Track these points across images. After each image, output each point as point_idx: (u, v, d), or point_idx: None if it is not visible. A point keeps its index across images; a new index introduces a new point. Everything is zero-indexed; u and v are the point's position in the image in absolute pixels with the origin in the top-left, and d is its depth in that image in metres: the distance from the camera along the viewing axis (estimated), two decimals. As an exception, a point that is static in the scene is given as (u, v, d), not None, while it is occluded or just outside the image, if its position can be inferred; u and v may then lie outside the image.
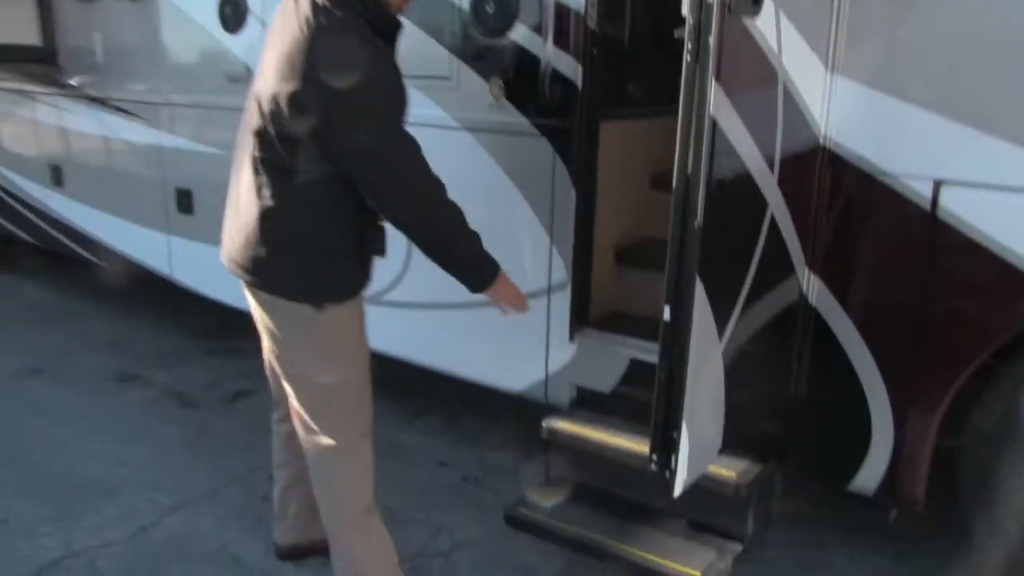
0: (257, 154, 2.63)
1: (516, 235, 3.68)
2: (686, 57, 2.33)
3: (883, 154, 2.89)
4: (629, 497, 3.40)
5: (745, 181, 2.63)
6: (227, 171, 4.78)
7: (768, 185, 2.73)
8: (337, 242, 2.68)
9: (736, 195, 2.60)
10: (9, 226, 6.90)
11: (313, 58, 2.44)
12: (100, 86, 5.63)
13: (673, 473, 2.57)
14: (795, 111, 2.83)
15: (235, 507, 3.69)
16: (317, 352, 2.78)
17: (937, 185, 2.81)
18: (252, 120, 2.65)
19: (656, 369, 2.56)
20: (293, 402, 2.88)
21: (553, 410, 3.67)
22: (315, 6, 2.51)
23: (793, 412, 3.21)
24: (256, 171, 2.64)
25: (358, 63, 2.43)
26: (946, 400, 2.93)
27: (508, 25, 3.50)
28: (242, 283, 2.83)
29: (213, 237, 4.93)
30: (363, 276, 2.82)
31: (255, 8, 4.50)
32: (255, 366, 5.19)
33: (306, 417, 2.85)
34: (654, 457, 2.61)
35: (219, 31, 4.70)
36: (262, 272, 2.71)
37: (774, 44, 2.60)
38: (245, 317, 5.04)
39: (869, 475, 3.13)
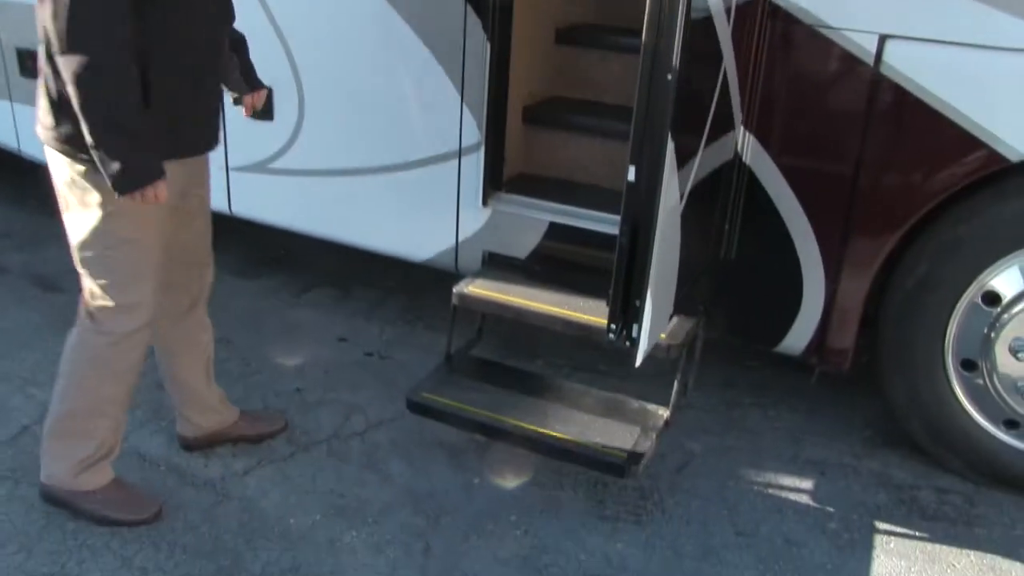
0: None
1: (423, 95, 3.41)
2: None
3: (826, 6, 2.78)
4: (540, 371, 3.30)
5: (708, 30, 2.46)
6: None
7: (725, 38, 2.58)
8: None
9: (699, 46, 2.43)
10: None
11: None
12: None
13: (635, 342, 2.46)
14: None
15: (125, 396, 3.38)
16: None
17: (882, 40, 2.73)
18: None
19: (618, 233, 2.40)
20: None
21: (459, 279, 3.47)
22: None
23: (722, 273, 3.16)
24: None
25: None
26: (879, 261, 2.94)
27: None
28: None
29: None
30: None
31: None
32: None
33: None
34: (612, 326, 2.48)
35: None
36: (49, 129, 2.48)
37: None
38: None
39: (798, 336, 3.13)
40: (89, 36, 2.18)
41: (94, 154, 2.27)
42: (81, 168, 2.42)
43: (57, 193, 2.55)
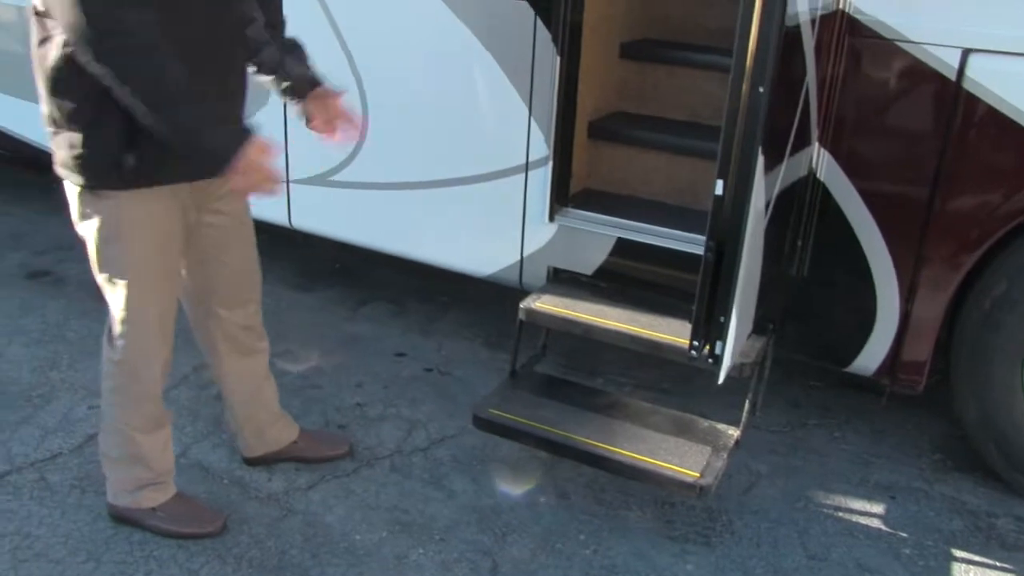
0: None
1: (490, 108, 3.39)
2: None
3: (906, 20, 2.74)
4: (607, 388, 3.25)
5: (796, 44, 2.43)
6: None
7: (810, 51, 2.55)
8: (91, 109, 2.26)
9: (788, 60, 2.39)
10: None
11: None
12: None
13: (719, 360, 2.42)
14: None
15: (187, 409, 3.36)
16: None
17: (965, 53, 2.68)
18: None
19: (704, 248, 2.36)
20: None
21: (523, 294, 3.44)
22: None
23: (795, 291, 3.11)
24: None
25: None
26: (956, 280, 2.88)
27: None
28: None
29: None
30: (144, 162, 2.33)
31: None
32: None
33: None
34: (695, 343, 2.44)
35: None
36: (56, 150, 2.39)
37: None
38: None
39: (870, 356, 3.07)
40: (120, 16, 2.05)
41: (179, 147, 2.19)
42: (77, 190, 2.37)
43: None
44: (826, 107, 2.87)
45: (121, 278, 2.46)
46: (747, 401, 2.99)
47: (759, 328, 3.01)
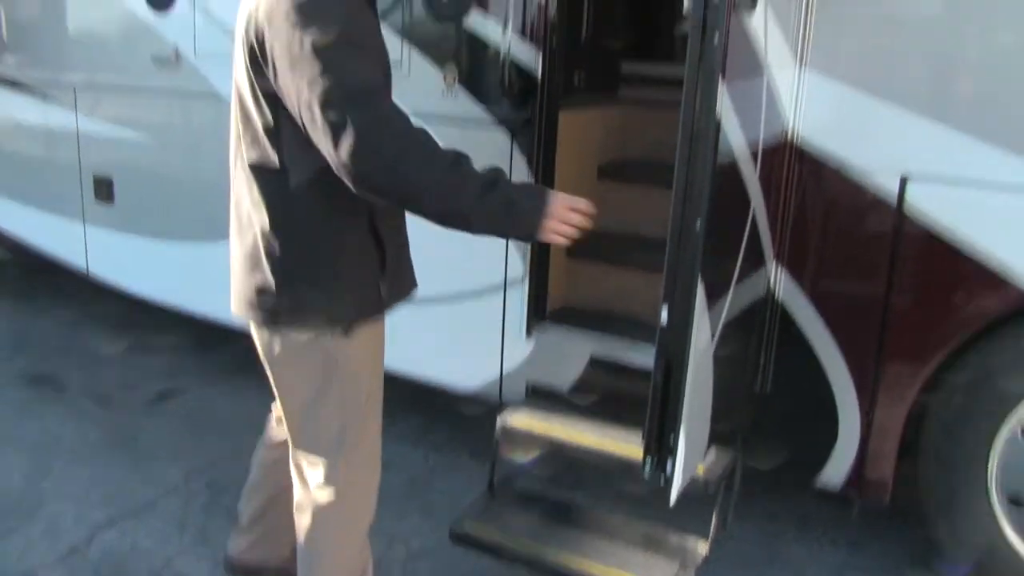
0: (246, 161, 2.24)
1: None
2: (689, 57, 2.25)
3: (850, 148, 2.90)
4: (582, 502, 3.34)
5: (736, 179, 2.59)
6: (151, 157, 4.62)
7: (752, 182, 2.70)
8: (350, 248, 2.27)
9: (729, 193, 2.55)
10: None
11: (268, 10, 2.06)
12: (7, 66, 5.27)
13: (669, 479, 2.51)
14: (772, 106, 2.81)
15: (174, 519, 3.47)
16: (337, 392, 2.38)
17: (904, 180, 2.83)
18: (235, 122, 2.28)
19: (653, 371, 2.48)
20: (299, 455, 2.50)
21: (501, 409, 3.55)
22: None
23: (758, 407, 3.20)
24: (248, 183, 2.25)
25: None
26: (913, 393, 2.97)
27: (464, 10, 3.39)
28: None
29: (133, 227, 4.78)
30: (391, 287, 2.37)
31: (186, -17, 4.26)
32: (177, 363, 5.01)
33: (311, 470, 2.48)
34: (648, 462, 2.54)
35: (144, 9, 4.44)
36: (270, 303, 2.28)
37: (762, 40, 2.56)
38: (163, 311, 4.84)
39: (835, 470, 3.14)
40: (379, 104, 2.02)
41: (477, 225, 2.10)
42: (308, 335, 2.29)
43: (282, 385, 2.41)
44: (781, 231, 3.01)
45: (355, 416, 2.40)
46: (714, 516, 3.07)
47: (727, 441, 3.11)
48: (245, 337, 2.51)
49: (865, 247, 2.96)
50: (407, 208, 2.18)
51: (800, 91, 2.91)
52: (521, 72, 3.32)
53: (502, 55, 3.31)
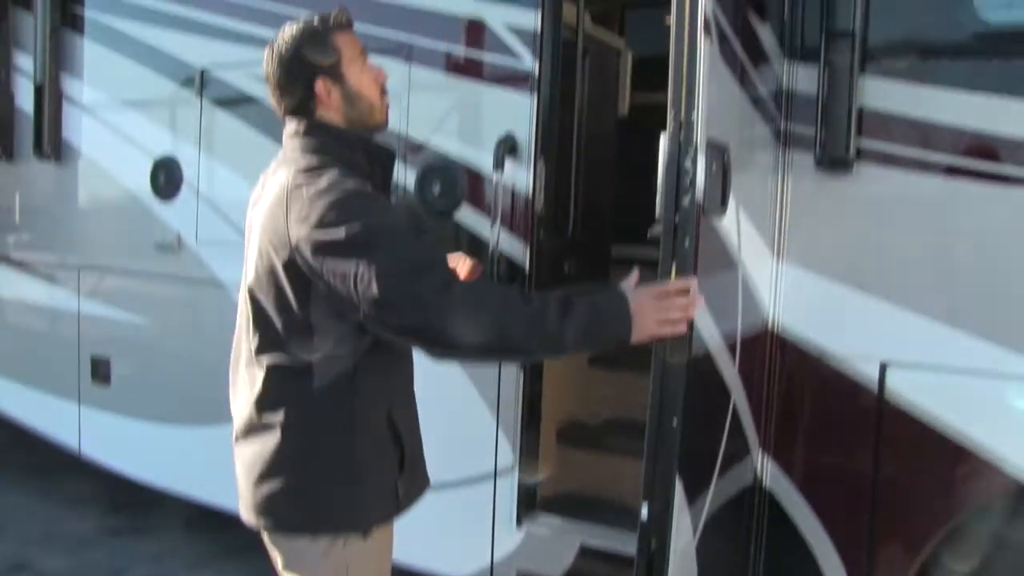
0: (264, 363, 2.24)
1: (460, 418, 3.59)
2: (662, 257, 2.34)
3: (830, 337, 2.96)
4: None
5: (714, 375, 2.64)
6: (150, 340, 4.71)
7: (731, 374, 2.75)
8: (370, 448, 2.27)
9: (707, 389, 2.60)
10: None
11: (299, 217, 2.12)
12: (15, 247, 5.45)
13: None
14: (750, 299, 2.89)
15: None
16: None
17: (883, 367, 2.88)
18: (246, 324, 2.30)
19: (635, 566, 2.47)
20: None
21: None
22: (288, 166, 2.25)
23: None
24: (262, 385, 2.24)
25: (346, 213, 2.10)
26: (909, 579, 2.93)
27: (454, 206, 3.53)
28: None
29: (129, 409, 4.82)
30: (409, 486, 2.37)
31: (190, 177, 4.45)
32: (167, 548, 4.93)
33: None
34: (633, 662, 2.50)
35: (150, 198, 4.61)
36: (284, 510, 2.24)
37: (735, 238, 2.66)
38: (154, 492, 4.81)
39: (833, 663, 3.07)
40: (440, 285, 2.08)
41: (572, 343, 2.11)
42: (326, 541, 2.24)
43: None
44: (765, 419, 3.04)
45: None
46: None
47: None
48: (237, 521, 2.48)
49: (849, 434, 2.98)
50: (498, 357, 2.36)
51: (778, 283, 3.00)
52: (511, 264, 3.43)
53: (491, 248, 3.42)
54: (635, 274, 2.22)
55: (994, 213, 2.77)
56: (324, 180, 2.15)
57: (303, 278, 2.14)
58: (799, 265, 2.98)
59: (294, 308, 2.17)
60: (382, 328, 2.13)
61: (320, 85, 2.27)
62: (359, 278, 2.05)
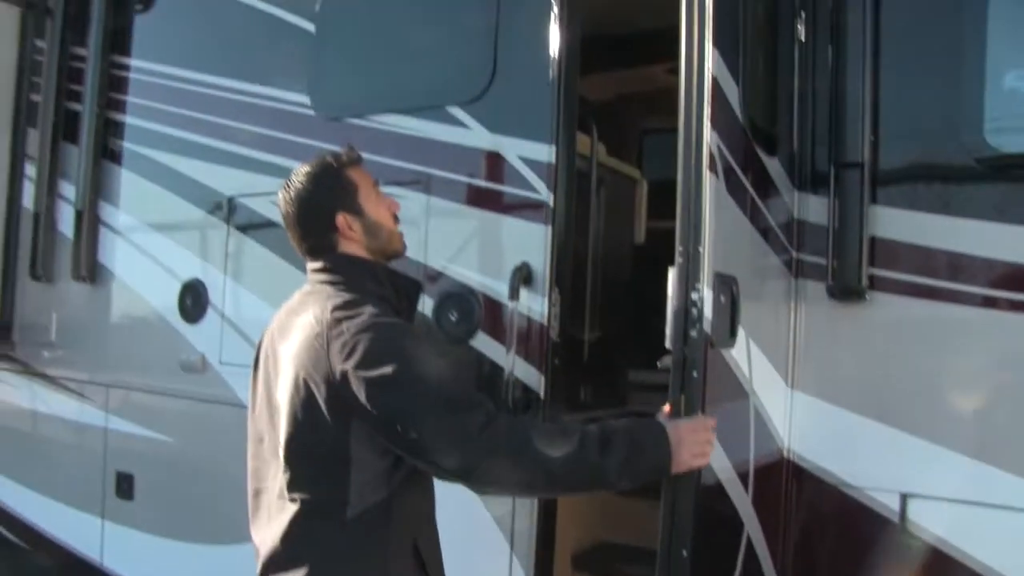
0: (293, 498, 2.31)
1: (472, 539, 3.56)
2: (672, 389, 2.38)
3: (846, 467, 2.94)
4: None
5: (726, 505, 2.64)
6: (173, 457, 4.76)
7: (744, 505, 2.75)
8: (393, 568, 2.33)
9: (718, 519, 2.60)
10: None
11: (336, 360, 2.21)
12: (50, 364, 5.55)
13: None
14: (763, 428, 2.90)
15: None
16: None
17: (904, 498, 2.85)
18: (272, 459, 2.39)
19: None
20: None
21: None
22: (317, 300, 2.36)
23: None
24: (290, 521, 2.30)
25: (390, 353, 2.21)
26: None
27: (471, 333, 3.59)
28: None
29: (151, 525, 4.86)
30: None
31: (215, 301, 4.55)
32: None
33: None
34: None
35: (177, 319, 4.72)
36: None
37: (746, 368, 2.68)
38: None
39: None
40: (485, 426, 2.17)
41: (613, 480, 2.21)
42: None
43: None
44: (782, 549, 3.01)
45: None
46: None
47: None
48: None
49: (871, 565, 2.93)
50: (541, 493, 2.52)
51: (792, 412, 3.01)
52: (527, 390, 3.45)
53: (506, 374, 3.45)
54: (666, 408, 2.37)
55: (1012, 341, 2.77)
56: (363, 316, 2.25)
57: (345, 412, 2.21)
58: (813, 394, 2.99)
59: (333, 442, 2.24)
60: (425, 465, 2.24)
61: (341, 219, 2.41)
62: (405, 415, 2.18)
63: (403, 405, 2.17)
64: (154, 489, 4.92)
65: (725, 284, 2.51)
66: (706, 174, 2.47)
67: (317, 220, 2.42)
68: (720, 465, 2.56)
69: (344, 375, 2.18)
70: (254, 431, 2.51)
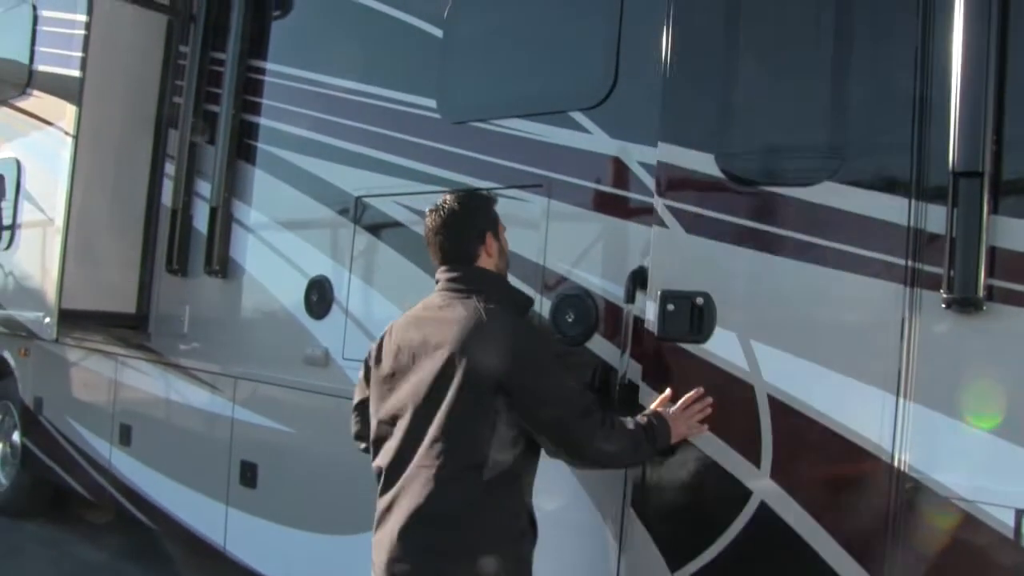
0: (446, 460, 2.78)
1: (580, 537, 3.67)
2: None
3: (960, 479, 2.86)
4: None
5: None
6: (295, 448, 4.95)
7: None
8: (519, 529, 2.89)
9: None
10: (71, 480, 6.87)
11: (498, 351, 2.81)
12: (182, 354, 5.86)
13: None
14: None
15: None
16: None
17: (1019, 513, 2.79)
18: (413, 431, 2.86)
19: None
20: None
21: None
22: (465, 302, 2.93)
23: None
24: (436, 479, 2.78)
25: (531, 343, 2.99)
26: None
27: (587, 335, 3.66)
28: None
29: (272, 513, 5.07)
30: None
31: (340, 298, 4.72)
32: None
33: None
34: None
35: (303, 315, 4.92)
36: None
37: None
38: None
39: None
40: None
41: (654, 453, 3.08)
42: None
43: None
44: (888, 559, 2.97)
45: None
46: None
47: None
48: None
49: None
50: (617, 467, 3.30)
51: (904, 422, 2.96)
52: (637, 391, 3.48)
53: (619, 376, 3.49)
54: (667, 393, 3.18)
55: None
56: (511, 317, 2.97)
57: (499, 392, 2.78)
58: (927, 405, 2.95)
59: (483, 416, 2.79)
60: (551, 440, 2.90)
61: (490, 239, 3.05)
62: (550, 399, 2.86)
63: (550, 390, 2.86)
64: (276, 478, 5.11)
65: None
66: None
67: (469, 234, 3.04)
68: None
69: (503, 362, 2.78)
70: (386, 412, 2.98)
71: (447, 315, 2.92)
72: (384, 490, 2.92)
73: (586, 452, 2.94)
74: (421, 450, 2.82)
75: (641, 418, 3.06)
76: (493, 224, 3.09)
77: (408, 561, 2.78)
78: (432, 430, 2.81)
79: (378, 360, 3.10)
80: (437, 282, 3.10)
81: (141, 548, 6.52)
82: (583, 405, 2.91)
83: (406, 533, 2.79)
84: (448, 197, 3.11)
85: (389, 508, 2.87)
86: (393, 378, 2.99)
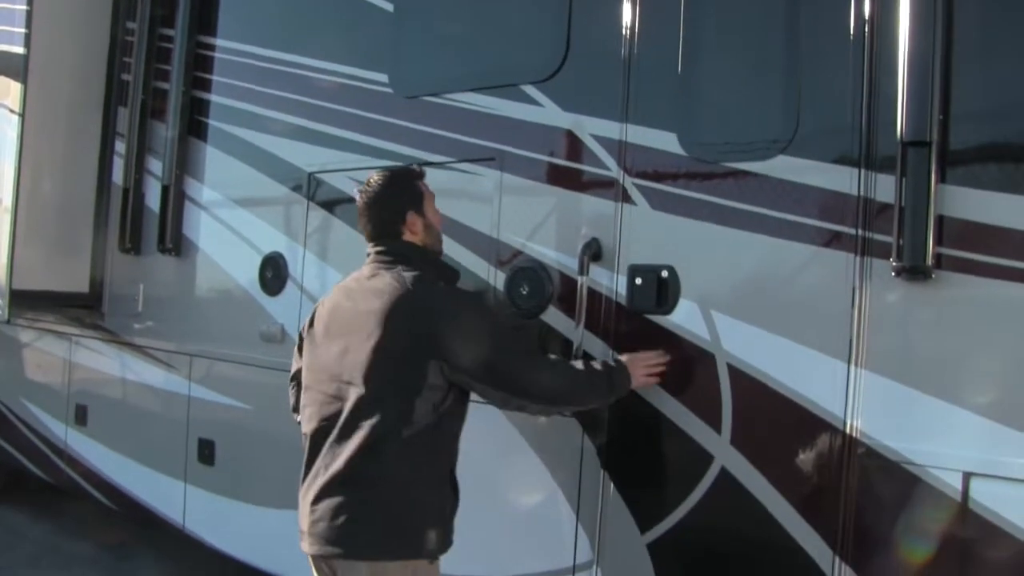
0: (367, 420, 2.83)
1: (540, 509, 3.69)
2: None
3: (909, 444, 2.93)
4: None
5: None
6: (250, 425, 4.91)
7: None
8: (439, 493, 2.94)
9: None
10: (25, 461, 6.82)
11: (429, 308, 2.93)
12: (137, 333, 5.82)
13: None
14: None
15: None
16: None
17: (967, 477, 2.84)
18: (340, 395, 2.92)
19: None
20: None
21: None
22: (392, 272, 3.00)
23: None
24: (357, 438, 2.83)
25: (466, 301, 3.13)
26: None
27: (542, 308, 3.67)
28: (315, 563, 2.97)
29: (230, 490, 5.07)
30: (449, 534, 2.99)
31: (295, 274, 4.71)
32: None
33: None
34: None
35: (258, 292, 4.90)
36: (370, 537, 2.82)
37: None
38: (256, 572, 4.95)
39: None
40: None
41: (611, 393, 3.17)
42: (399, 564, 2.84)
43: None
44: (843, 527, 3.01)
45: None
46: None
47: None
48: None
49: (931, 543, 2.92)
50: (564, 406, 3.36)
51: (855, 389, 3.01)
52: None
53: (575, 348, 3.52)
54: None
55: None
56: (440, 283, 3.08)
57: (432, 350, 2.85)
58: (878, 372, 2.99)
59: (415, 373, 2.85)
60: (496, 388, 2.98)
61: (412, 217, 3.10)
62: (488, 348, 2.93)
63: (480, 336, 2.93)
64: (234, 455, 5.11)
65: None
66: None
67: (391, 214, 3.11)
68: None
69: (429, 323, 2.87)
70: (314, 378, 3.04)
71: (375, 284, 2.99)
72: (311, 455, 2.98)
73: (531, 388, 3.03)
74: (344, 415, 2.88)
75: (596, 362, 3.24)
76: (416, 202, 3.14)
77: (325, 521, 2.83)
78: (356, 395, 2.87)
79: (311, 330, 3.19)
80: (367, 255, 3.16)
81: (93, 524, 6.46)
82: (519, 345, 3.17)
83: (325, 494, 2.85)
84: (373, 176, 3.18)
85: (315, 473, 2.92)
86: (323, 347, 3.06)
